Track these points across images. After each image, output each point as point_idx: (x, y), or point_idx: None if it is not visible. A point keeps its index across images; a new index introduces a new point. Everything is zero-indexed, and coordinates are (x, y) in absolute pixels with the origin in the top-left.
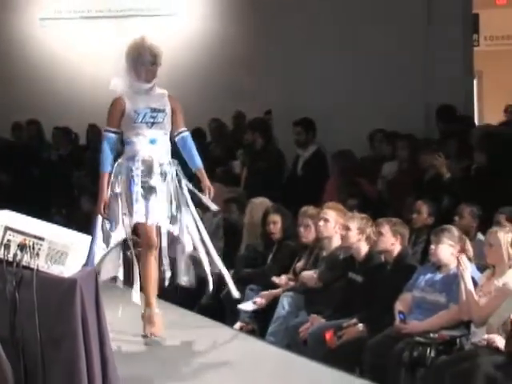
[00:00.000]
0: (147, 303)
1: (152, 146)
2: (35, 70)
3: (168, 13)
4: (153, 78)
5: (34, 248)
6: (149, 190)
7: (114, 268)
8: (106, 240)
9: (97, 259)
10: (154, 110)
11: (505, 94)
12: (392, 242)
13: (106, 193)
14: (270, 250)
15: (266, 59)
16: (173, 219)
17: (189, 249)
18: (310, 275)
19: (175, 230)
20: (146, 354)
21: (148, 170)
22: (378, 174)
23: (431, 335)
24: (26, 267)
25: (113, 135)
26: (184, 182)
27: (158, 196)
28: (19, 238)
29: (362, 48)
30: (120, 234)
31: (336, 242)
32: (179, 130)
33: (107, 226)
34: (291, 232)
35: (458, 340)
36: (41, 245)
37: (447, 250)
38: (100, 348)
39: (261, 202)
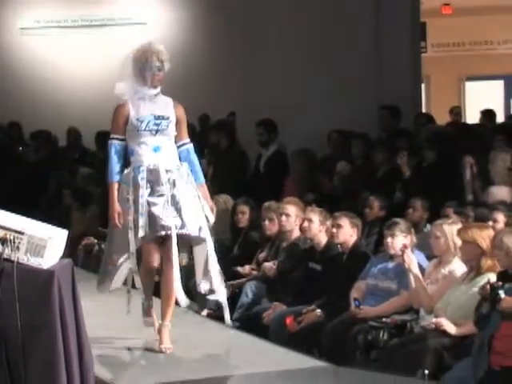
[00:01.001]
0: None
1: (156, 154)
2: (16, 76)
3: (138, 21)
4: (159, 84)
5: (14, 242)
6: (158, 199)
7: (121, 279)
8: (119, 253)
9: (109, 272)
10: (158, 118)
11: (450, 97)
12: (350, 234)
13: (117, 203)
14: (236, 242)
15: (229, 64)
16: (187, 223)
17: (210, 252)
18: (269, 266)
19: (192, 232)
20: (113, 340)
21: (155, 179)
22: (334, 170)
23: (384, 320)
24: (7, 260)
25: (119, 142)
26: (193, 187)
27: (168, 204)
28: (0, 233)
29: (319, 54)
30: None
31: (296, 234)
32: (183, 142)
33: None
34: (257, 224)
35: (408, 324)
36: (21, 239)
37: (401, 241)
38: (77, 333)
39: (224, 201)
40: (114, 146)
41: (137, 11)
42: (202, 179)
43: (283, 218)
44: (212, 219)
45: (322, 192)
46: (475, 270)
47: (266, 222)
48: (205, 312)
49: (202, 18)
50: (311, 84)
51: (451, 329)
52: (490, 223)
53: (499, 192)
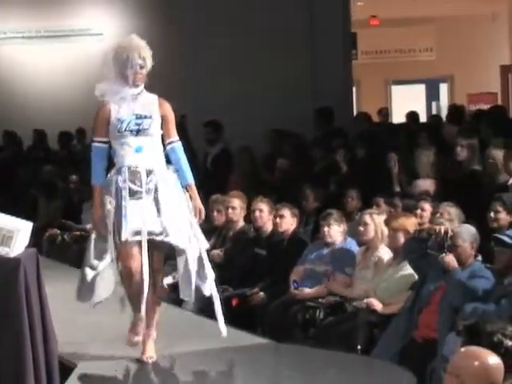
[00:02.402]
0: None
1: (138, 154)
2: None
3: (96, 32)
4: (142, 83)
5: None
6: (138, 202)
7: (106, 290)
8: (99, 258)
9: (88, 278)
10: (139, 117)
11: (378, 99)
12: (291, 223)
13: (100, 207)
14: None
15: (179, 70)
16: (168, 229)
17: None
18: (217, 253)
19: (171, 239)
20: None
21: (136, 181)
22: (274, 166)
23: (320, 300)
24: None
25: (101, 145)
26: (180, 191)
27: (149, 207)
28: None
29: (261, 62)
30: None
31: (240, 224)
32: (170, 140)
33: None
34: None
35: (342, 304)
36: None
37: (336, 229)
38: (42, 315)
39: None
40: (95, 148)
41: (95, 22)
42: (191, 179)
43: (229, 210)
44: (195, 224)
45: (264, 186)
46: (401, 255)
47: (215, 213)
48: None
49: (155, 28)
50: (253, 88)
51: (380, 308)
52: (418, 211)
53: (424, 184)
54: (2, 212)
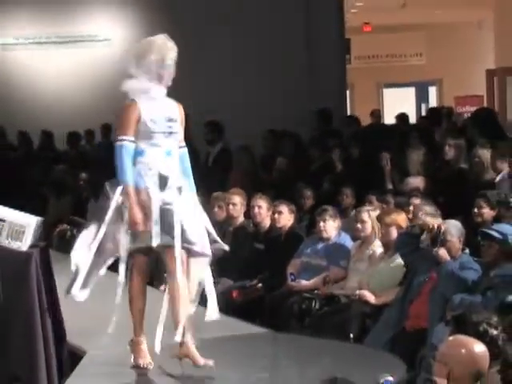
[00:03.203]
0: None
1: (168, 158)
2: None
3: (105, 38)
4: (169, 83)
5: None
6: (167, 207)
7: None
8: (103, 255)
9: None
10: (169, 119)
11: (370, 102)
12: (288, 219)
13: (137, 207)
14: None
15: (183, 74)
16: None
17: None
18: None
19: (195, 247)
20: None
21: (164, 185)
22: (273, 165)
23: (315, 292)
24: None
25: (132, 144)
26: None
27: (176, 212)
28: None
29: (261, 67)
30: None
31: (240, 219)
32: (181, 144)
33: (126, 238)
34: (206, 212)
35: (336, 295)
36: (3, 225)
37: (331, 225)
38: (52, 305)
39: None
40: (126, 147)
41: (103, 29)
42: (194, 188)
43: (230, 206)
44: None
45: (263, 184)
46: (393, 249)
47: (216, 209)
48: (163, 287)
49: (161, 33)
50: (252, 89)
51: (372, 299)
52: (411, 208)
53: (414, 181)
54: (15, 208)
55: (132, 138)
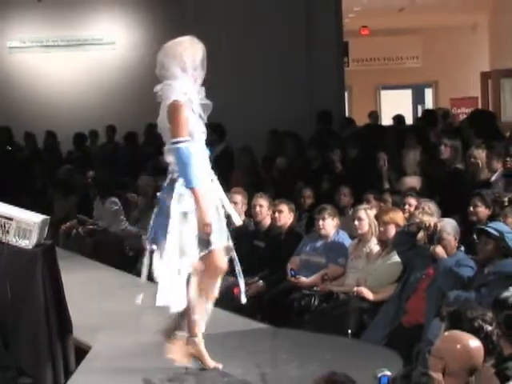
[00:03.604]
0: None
1: (207, 159)
2: (5, 87)
3: (110, 41)
4: (200, 82)
5: (5, 226)
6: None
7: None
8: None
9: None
10: (200, 117)
11: (368, 103)
12: (289, 218)
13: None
14: None
15: None
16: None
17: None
18: None
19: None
20: (89, 307)
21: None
22: (273, 165)
23: (315, 288)
24: None
25: (190, 145)
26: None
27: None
28: None
29: (263, 71)
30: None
31: (241, 218)
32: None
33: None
34: None
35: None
36: (10, 224)
37: (330, 223)
38: (58, 301)
39: None
40: (188, 149)
41: (107, 32)
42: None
43: (232, 205)
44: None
45: (264, 183)
46: (390, 247)
47: None
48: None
49: (165, 38)
50: (253, 90)
51: (370, 296)
52: (407, 207)
53: (411, 181)
54: (22, 207)
55: (189, 138)
